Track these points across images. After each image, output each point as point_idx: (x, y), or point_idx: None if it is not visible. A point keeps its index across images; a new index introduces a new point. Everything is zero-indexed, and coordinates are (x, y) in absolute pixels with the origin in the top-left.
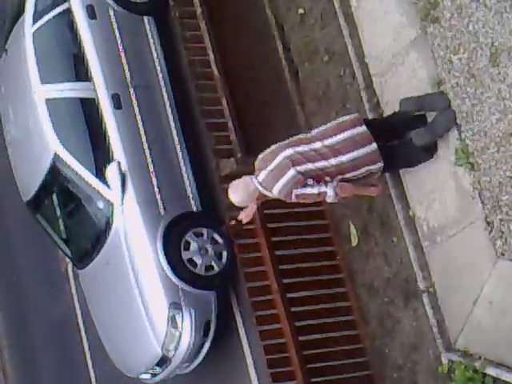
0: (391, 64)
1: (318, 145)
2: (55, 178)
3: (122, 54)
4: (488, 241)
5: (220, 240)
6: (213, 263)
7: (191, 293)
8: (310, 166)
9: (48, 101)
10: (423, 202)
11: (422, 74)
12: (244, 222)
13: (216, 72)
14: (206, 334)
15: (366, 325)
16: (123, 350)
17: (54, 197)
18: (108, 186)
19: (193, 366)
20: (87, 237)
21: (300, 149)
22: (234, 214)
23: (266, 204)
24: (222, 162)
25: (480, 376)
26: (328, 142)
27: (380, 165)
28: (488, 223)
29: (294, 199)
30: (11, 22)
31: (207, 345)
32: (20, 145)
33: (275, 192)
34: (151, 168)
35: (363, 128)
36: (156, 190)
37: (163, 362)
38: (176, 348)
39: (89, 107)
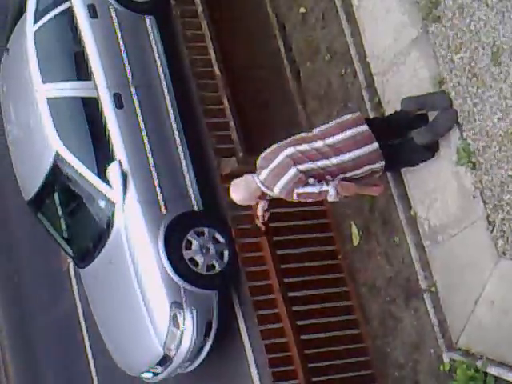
0: (393, 63)
1: (319, 144)
2: (57, 177)
3: (124, 53)
4: (490, 240)
5: (221, 239)
6: (214, 262)
7: (193, 292)
8: (311, 164)
9: (49, 100)
10: (425, 202)
11: (424, 73)
12: (261, 220)
13: (217, 71)
14: (207, 333)
15: (368, 324)
16: (125, 349)
17: (56, 196)
18: (109, 186)
19: (194, 365)
20: (89, 236)
21: (301, 148)
22: (235, 213)
23: (269, 203)
24: (224, 161)
25: (481, 375)
26: (329, 140)
27: (381, 164)
28: (489, 222)
29: (295, 198)
30: (13, 21)
31: (209, 344)
32: (21, 144)
33: (276, 191)
34: (153, 167)
35: (364, 127)
36: (157, 189)
37: (165, 361)
38: (177, 347)
39: (90, 106)
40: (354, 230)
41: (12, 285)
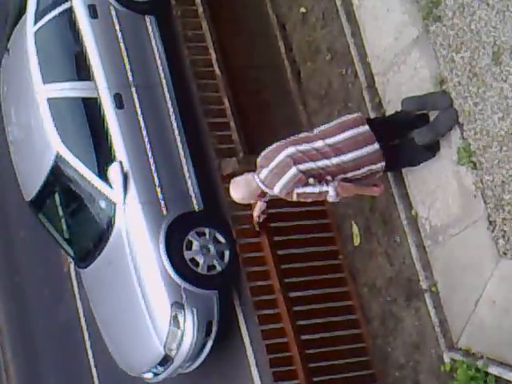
0: (393, 63)
1: (319, 144)
2: (57, 177)
3: (124, 54)
4: (490, 240)
5: (222, 239)
6: (215, 262)
7: (193, 292)
8: (311, 164)
9: (50, 100)
10: (425, 202)
11: (424, 73)
12: (257, 219)
13: (218, 71)
14: (208, 334)
15: (369, 324)
16: (126, 350)
17: (56, 196)
18: (110, 186)
19: (195, 366)
20: (89, 236)
21: (302, 147)
22: (236, 213)
23: (268, 203)
24: (224, 161)
25: (482, 375)
26: (330, 141)
27: (382, 164)
28: (490, 222)
29: (295, 198)
30: (13, 22)
31: (209, 344)
32: (22, 144)
33: (276, 190)
34: (153, 167)
35: (365, 127)
36: (158, 189)
37: (165, 361)
38: (178, 347)
39: (91, 107)
40: (355, 230)
41: (13, 285)
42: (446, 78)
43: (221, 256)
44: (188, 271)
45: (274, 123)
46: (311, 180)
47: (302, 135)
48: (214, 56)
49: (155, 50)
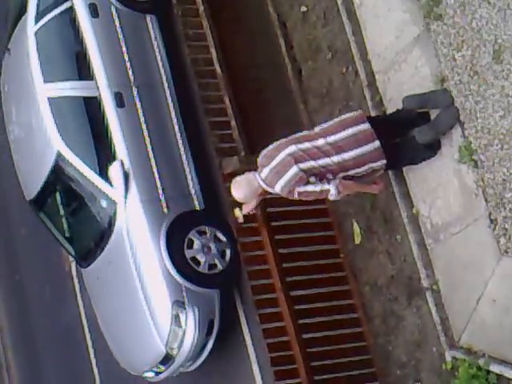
0: (394, 61)
1: (320, 142)
2: (58, 176)
3: (125, 53)
4: (492, 238)
5: (223, 238)
6: (216, 261)
7: (194, 291)
8: (312, 163)
9: (51, 99)
10: (426, 200)
11: (425, 71)
12: (245, 212)
13: (219, 70)
14: (209, 332)
15: (370, 322)
16: (127, 349)
17: (58, 195)
18: (111, 185)
19: (196, 364)
20: (90, 235)
21: (303, 146)
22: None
23: (269, 202)
24: (225, 160)
25: (484, 373)
26: (331, 139)
27: (383, 162)
28: (491, 221)
29: (296, 197)
30: (14, 21)
31: (211, 343)
32: (23, 143)
33: (278, 189)
34: (154, 166)
35: (366, 125)
36: (159, 188)
37: (167, 360)
38: (180, 346)
39: (91, 106)
40: (356, 228)
41: (14, 284)
42: (447, 76)
43: (222, 255)
44: (189, 270)
45: (274, 122)
46: (312, 179)
47: (303, 133)
48: (214, 55)
49: (156, 49)
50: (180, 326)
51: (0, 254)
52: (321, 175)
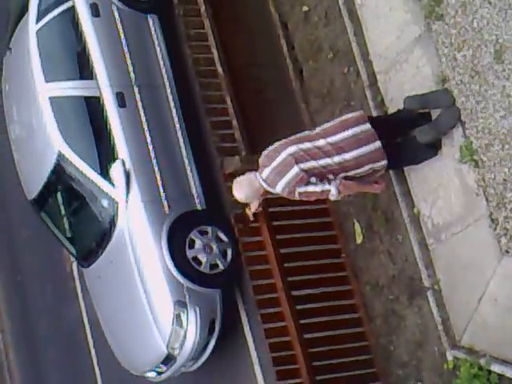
0: (395, 61)
1: (321, 142)
2: (59, 176)
3: (126, 52)
4: (493, 238)
5: (225, 238)
6: (217, 261)
7: (196, 291)
8: (313, 163)
9: (52, 99)
10: (428, 200)
11: (427, 71)
12: (253, 211)
13: (220, 70)
14: (211, 332)
15: (371, 322)
16: (128, 349)
17: (59, 195)
18: (112, 185)
19: (198, 364)
20: (92, 235)
21: (304, 146)
22: (238, 212)
23: (270, 202)
24: (227, 160)
25: (485, 373)
26: (331, 139)
27: (384, 163)
28: (492, 220)
29: (297, 197)
30: (15, 21)
31: (212, 343)
32: (24, 143)
33: (278, 189)
34: (155, 166)
35: (367, 126)
36: (160, 188)
37: (168, 360)
38: (181, 346)
39: (93, 105)
40: (357, 228)
41: (15, 284)
42: (448, 76)
43: (223, 255)
44: (191, 270)
45: (276, 122)
46: (313, 179)
47: (304, 134)
48: (216, 55)
49: (157, 49)
50: (181, 326)
51: (1, 255)
52: (322, 175)
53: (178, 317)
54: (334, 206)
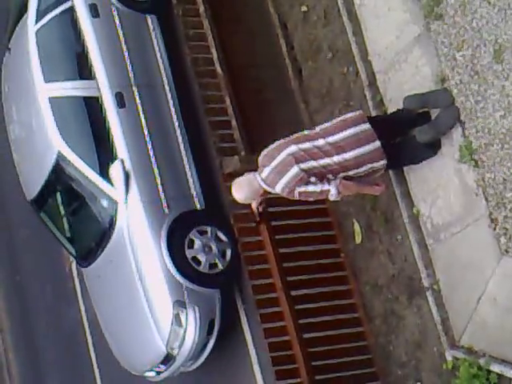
0: (395, 61)
1: (321, 142)
2: (59, 176)
3: (125, 53)
4: (492, 238)
5: (224, 238)
6: (217, 261)
7: (195, 291)
8: (313, 163)
9: (51, 99)
10: (427, 200)
11: (426, 71)
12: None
13: (219, 70)
14: (210, 332)
15: (371, 322)
16: (128, 348)
17: (58, 195)
18: (112, 185)
19: (197, 364)
20: (91, 235)
21: (303, 146)
22: (237, 212)
23: (269, 202)
24: (226, 160)
25: (484, 373)
26: (331, 139)
27: (383, 162)
28: (492, 220)
29: (296, 197)
30: (14, 21)
31: (211, 342)
32: (24, 143)
33: (278, 189)
34: (155, 166)
35: (367, 125)
36: (160, 188)
37: (168, 359)
38: (180, 346)
39: (92, 106)
40: (357, 228)
41: (14, 284)
42: (448, 76)
43: (222, 254)
44: (190, 270)
45: (275, 122)
46: (313, 179)
47: (304, 133)
48: (215, 55)
49: (156, 49)
50: (181, 326)
51: (1, 255)
52: (321, 175)
53: (177, 316)
54: (333, 206)
